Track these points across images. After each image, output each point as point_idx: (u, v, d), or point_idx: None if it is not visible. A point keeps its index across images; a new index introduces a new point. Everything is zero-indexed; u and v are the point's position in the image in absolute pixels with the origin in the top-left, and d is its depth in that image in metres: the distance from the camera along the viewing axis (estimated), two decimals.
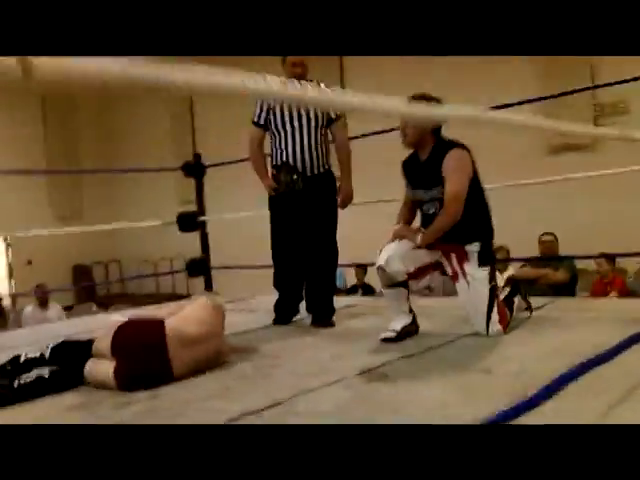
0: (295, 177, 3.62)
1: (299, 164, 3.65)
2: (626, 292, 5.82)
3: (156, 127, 13.07)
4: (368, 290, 7.62)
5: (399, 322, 3.23)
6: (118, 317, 3.07)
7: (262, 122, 3.73)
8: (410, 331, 3.25)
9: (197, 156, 5.72)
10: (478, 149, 3.21)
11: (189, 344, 2.74)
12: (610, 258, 5.96)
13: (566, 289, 5.75)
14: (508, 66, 7.71)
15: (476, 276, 3.14)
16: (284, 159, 3.66)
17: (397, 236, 3.21)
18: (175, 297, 7.16)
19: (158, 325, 2.74)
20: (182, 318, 2.85)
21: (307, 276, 3.84)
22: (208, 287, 5.60)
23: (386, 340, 3.16)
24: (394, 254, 3.13)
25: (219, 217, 6.96)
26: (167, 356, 2.66)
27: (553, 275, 5.89)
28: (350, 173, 3.78)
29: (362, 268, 7.61)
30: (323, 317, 3.74)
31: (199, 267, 5.66)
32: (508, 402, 2.06)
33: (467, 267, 3.15)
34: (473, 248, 3.15)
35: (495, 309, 3.13)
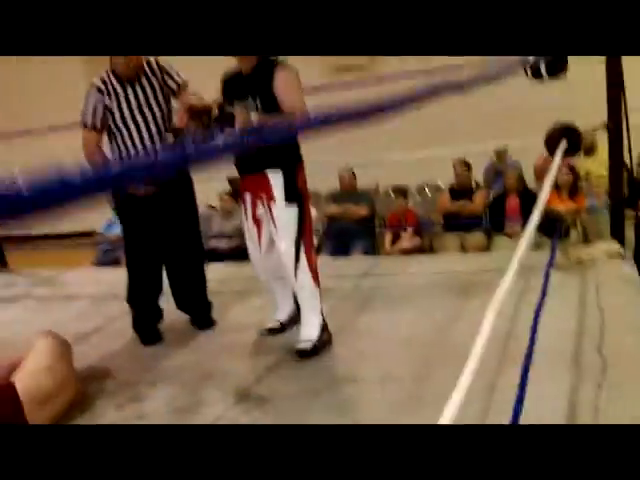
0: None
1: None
2: (419, 227, 6.24)
3: None
4: None
5: (284, 311, 3.39)
6: None
7: (98, 125, 3.35)
8: (294, 319, 3.37)
9: None
10: None
11: (45, 401, 2.47)
12: (402, 192, 6.31)
13: (369, 223, 6.06)
14: None
15: (282, 217, 3.06)
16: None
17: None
18: None
19: (9, 390, 2.42)
20: (31, 373, 2.54)
21: (173, 276, 3.59)
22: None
23: (271, 331, 3.34)
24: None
25: None
26: (25, 422, 2.39)
27: (356, 210, 6.13)
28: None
29: None
30: (202, 316, 3.64)
31: None
32: None
33: (274, 208, 3.07)
34: (277, 180, 3.05)
35: (303, 255, 3.08)
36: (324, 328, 3.18)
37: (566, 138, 3.73)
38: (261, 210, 3.16)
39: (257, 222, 3.20)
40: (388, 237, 6.28)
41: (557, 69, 3.59)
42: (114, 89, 3.29)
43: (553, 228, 3.89)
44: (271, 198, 3.07)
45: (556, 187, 6.00)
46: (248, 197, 3.20)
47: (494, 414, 2.26)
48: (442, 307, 3.50)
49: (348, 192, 6.43)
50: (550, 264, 3.51)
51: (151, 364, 3.25)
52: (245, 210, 3.25)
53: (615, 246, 3.97)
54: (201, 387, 2.93)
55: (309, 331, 3.14)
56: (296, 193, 3.10)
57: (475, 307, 3.34)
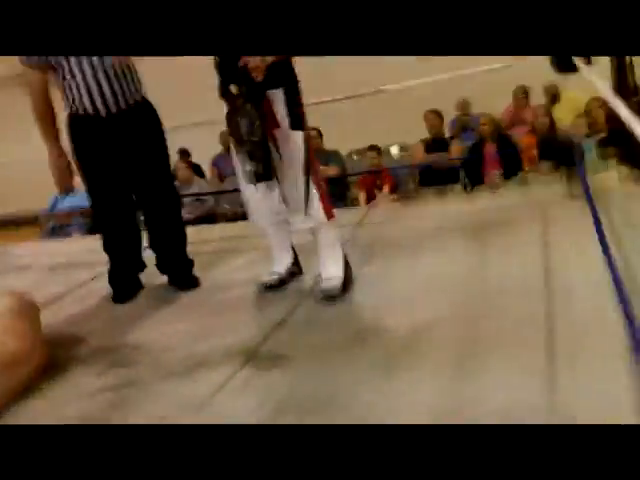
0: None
1: (99, 102, 2.89)
2: (395, 186, 5.88)
3: None
4: None
5: (282, 263, 2.98)
6: None
7: (37, 59, 2.84)
8: (294, 272, 3.01)
9: None
10: None
11: (11, 364, 2.03)
12: (375, 150, 5.97)
13: (340, 183, 5.67)
14: None
15: (289, 143, 2.65)
16: (81, 101, 2.89)
17: None
18: None
19: None
20: None
21: (149, 230, 3.19)
22: None
23: (269, 287, 2.91)
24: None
25: None
26: None
27: (325, 170, 5.73)
28: None
29: None
30: (182, 275, 3.20)
31: None
32: None
33: (279, 134, 2.65)
34: (279, 102, 2.62)
35: (314, 185, 2.69)
36: (347, 263, 2.80)
37: None
38: None
39: None
40: (362, 197, 5.90)
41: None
42: None
43: (570, 156, 3.54)
44: (275, 124, 2.63)
45: (533, 131, 5.78)
46: None
47: None
48: (460, 246, 3.10)
49: (315, 152, 6.00)
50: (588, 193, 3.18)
51: (132, 325, 2.76)
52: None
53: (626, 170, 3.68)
54: (197, 348, 2.46)
55: (332, 268, 2.75)
56: (300, 117, 2.68)
57: (498, 244, 3.00)
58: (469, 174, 5.69)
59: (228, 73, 2.61)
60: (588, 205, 3.05)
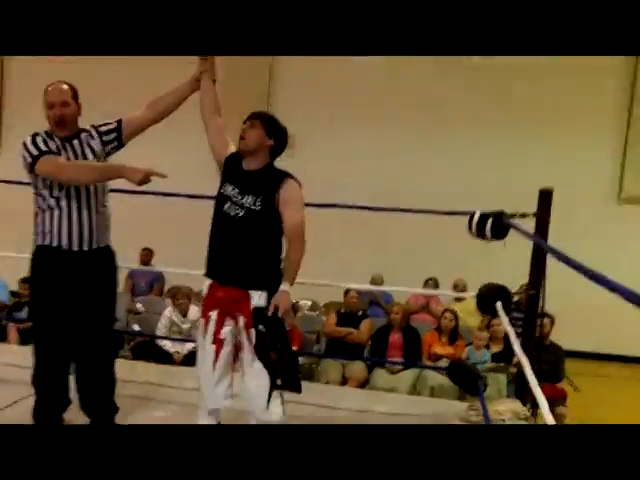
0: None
1: (78, 239, 3.05)
2: (302, 348, 6.14)
3: None
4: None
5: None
6: None
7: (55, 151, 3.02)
8: None
9: None
10: None
11: None
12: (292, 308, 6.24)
13: None
14: None
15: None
16: (70, 233, 3.03)
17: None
18: None
19: None
20: None
21: (80, 370, 3.20)
22: None
23: None
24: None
25: None
26: None
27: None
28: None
29: None
30: (105, 421, 3.24)
31: None
32: None
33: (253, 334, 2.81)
34: (259, 300, 2.83)
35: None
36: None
37: (500, 299, 3.84)
38: (227, 329, 2.89)
39: (219, 343, 2.90)
40: None
41: (502, 231, 3.76)
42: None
43: (473, 384, 3.95)
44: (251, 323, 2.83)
45: (438, 330, 6.29)
46: (214, 314, 2.91)
47: None
48: None
49: None
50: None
51: None
52: (205, 328, 2.94)
53: (520, 407, 4.11)
54: None
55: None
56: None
57: None
58: (372, 354, 6.08)
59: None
60: None
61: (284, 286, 2.77)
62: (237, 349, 2.92)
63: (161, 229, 7.93)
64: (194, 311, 6.13)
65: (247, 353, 2.85)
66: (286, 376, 2.80)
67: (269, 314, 2.74)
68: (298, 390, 2.85)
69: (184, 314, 6.22)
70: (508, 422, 3.88)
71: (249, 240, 2.84)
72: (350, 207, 4.82)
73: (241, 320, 2.85)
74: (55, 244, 3.02)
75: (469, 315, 6.76)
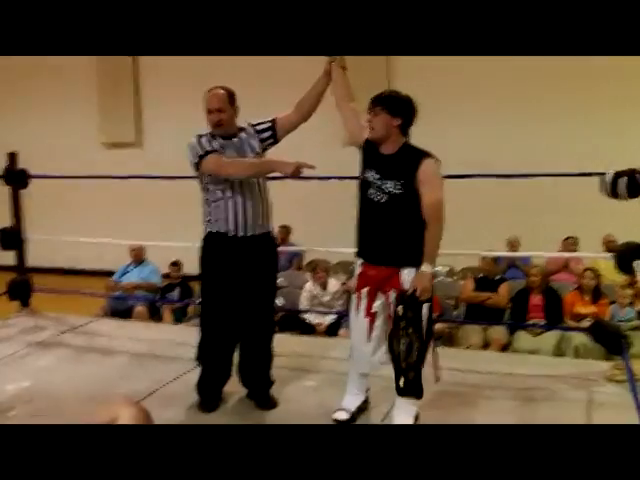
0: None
1: (243, 225, 3.31)
2: (442, 313, 6.20)
3: None
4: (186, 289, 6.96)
5: (353, 400, 3.28)
6: None
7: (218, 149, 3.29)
8: (362, 408, 3.32)
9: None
10: None
11: None
12: None
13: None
14: None
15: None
16: (236, 220, 3.29)
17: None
18: None
19: None
20: None
21: (242, 346, 3.48)
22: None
23: (339, 422, 3.21)
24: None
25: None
26: None
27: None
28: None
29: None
30: (261, 393, 3.51)
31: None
32: None
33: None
34: (408, 276, 2.97)
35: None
36: (417, 418, 3.10)
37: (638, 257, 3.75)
38: (378, 303, 3.06)
39: (371, 316, 3.07)
40: None
41: (638, 189, 3.65)
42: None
43: (617, 343, 3.87)
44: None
45: (579, 290, 6.13)
46: (365, 290, 3.09)
47: None
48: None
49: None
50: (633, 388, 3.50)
51: None
52: (358, 303, 3.13)
53: None
54: None
55: (403, 418, 3.07)
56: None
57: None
58: (513, 318, 6.03)
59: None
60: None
61: (425, 267, 2.91)
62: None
63: (295, 208, 8.19)
64: (333, 284, 6.38)
65: None
66: (409, 373, 2.90)
67: (408, 294, 2.86)
68: (419, 395, 2.99)
69: (324, 287, 6.44)
70: None
71: (394, 223, 2.97)
72: (489, 176, 4.78)
73: (392, 295, 3.00)
74: (223, 230, 3.29)
75: (614, 273, 6.52)
